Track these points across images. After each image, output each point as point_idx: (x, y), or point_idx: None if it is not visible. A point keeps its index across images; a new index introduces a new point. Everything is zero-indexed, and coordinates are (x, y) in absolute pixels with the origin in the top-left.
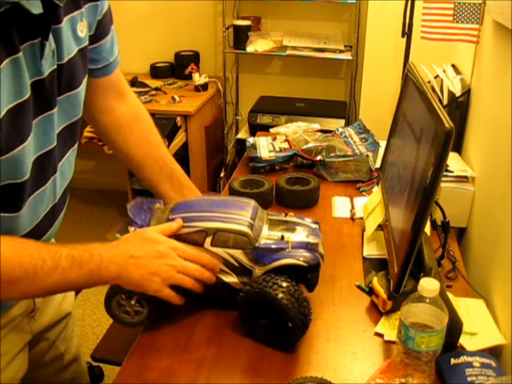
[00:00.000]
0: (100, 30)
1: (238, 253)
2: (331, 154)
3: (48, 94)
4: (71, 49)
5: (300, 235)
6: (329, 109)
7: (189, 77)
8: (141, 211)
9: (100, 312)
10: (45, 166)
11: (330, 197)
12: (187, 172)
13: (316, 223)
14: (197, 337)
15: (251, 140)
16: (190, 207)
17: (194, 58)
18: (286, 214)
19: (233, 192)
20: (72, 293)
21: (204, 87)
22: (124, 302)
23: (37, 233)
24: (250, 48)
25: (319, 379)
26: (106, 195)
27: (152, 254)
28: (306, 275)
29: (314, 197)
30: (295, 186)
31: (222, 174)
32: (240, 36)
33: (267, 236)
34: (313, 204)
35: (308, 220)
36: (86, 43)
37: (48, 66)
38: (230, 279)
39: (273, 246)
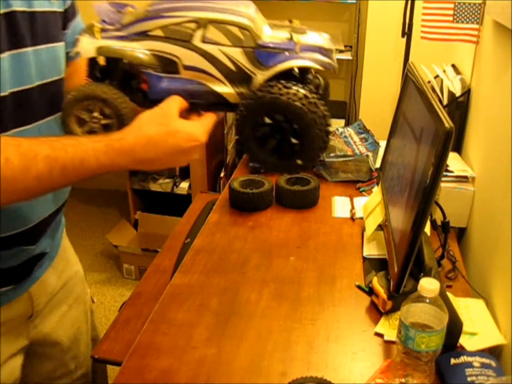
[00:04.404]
0: (70, 12)
1: (236, 53)
2: (331, 154)
3: (20, 31)
4: (42, 5)
5: (311, 38)
6: (329, 109)
7: None
8: (109, 12)
9: (100, 312)
10: (24, 106)
11: (330, 197)
12: (187, 172)
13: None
14: (197, 337)
15: None
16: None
17: None
18: (291, 21)
19: (233, 192)
20: (84, 300)
21: None
22: (85, 117)
23: None
24: None
25: (319, 379)
26: (106, 195)
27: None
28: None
29: (314, 197)
30: (295, 186)
31: (222, 174)
32: None
33: (271, 36)
34: (313, 204)
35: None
36: (59, 9)
37: (19, 4)
38: (224, 89)
39: (280, 45)
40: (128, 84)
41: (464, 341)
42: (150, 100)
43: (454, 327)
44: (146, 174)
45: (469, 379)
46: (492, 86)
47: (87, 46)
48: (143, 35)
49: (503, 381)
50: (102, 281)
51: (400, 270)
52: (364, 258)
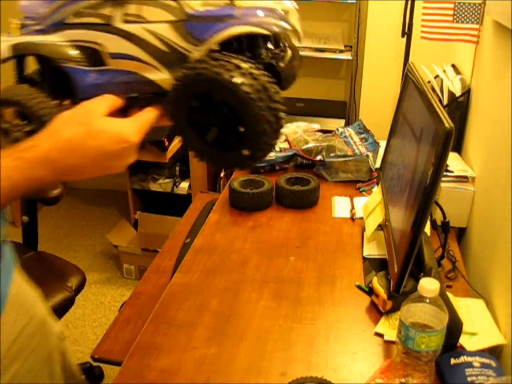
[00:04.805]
0: None
1: (164, 29)
2: (331, 154)
3: None
4: None
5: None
6: (329, 109)
7: None
8: (38, 7)
9: (100, 312)
10: None
11: (330, 197)
12: (187, 172)
13: None
14: (197, 337)
15: None
16: None
17: None
18: None
19: (233, 192)
20: (47, 346)
21: None
22: (6, 126)
23: None
24: None
25: (319, 379)
26: (106, 195)
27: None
28: (273, 69)
29: (314, 197)
30: (295, 186)
31: (222, 174)
32: None
33: (206, 3)
34: (313, 204)
35: None
36: None
37: None
38: (159, 75)
39: (216, 13)
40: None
41: (464, 341)
42: (81, 99)
43: (454, 327)
44: (146, 174)
45: (469, 379)
46: (492, 86)
47: (2, 46)
48: (61, 25)
49: (503, 381)
50: (102, 281)
51: (400, 270)
52: (364, 258)
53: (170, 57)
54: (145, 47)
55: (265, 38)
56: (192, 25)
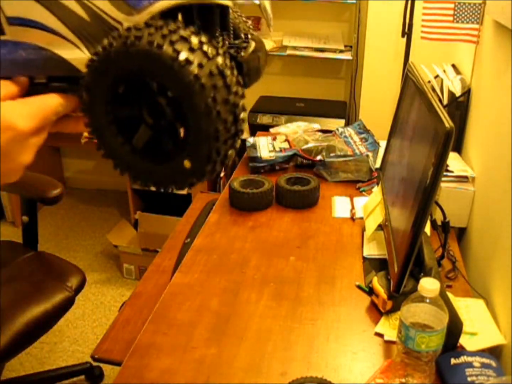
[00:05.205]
0: None
1: None
2: (331, 154)
3: None
4: None
5: None
6: (329, 109)
7: None
8: None
9: (100, 312)
10: None
11: (330, 197)
12: None
13: None
14: (197, 337)
15: (251, 140)
16: None
17: None
18: None
19: (233, 192)
20: None
21: None
22: None
23: None
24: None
25: (319, 379)
26: (106, 195)
27: None
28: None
29: (314, 197)
30: (295, 186)
31: (222, 174)
32: None
33: None
34: (313, 204)
35: None
36: None
37: None
38: (75, 53)
39: None
40: None
41: (464, 341)
42: None
43: (454, 327)
44: None
45: (469, 379)
46: (492, 86)
47: None
48: None
49: (503, 381)
50: (102, 281)
51: (400, 270)
52: (364, 258)
53: (93, 29)
54: (59, 12)
55: (222, 22)
56: None
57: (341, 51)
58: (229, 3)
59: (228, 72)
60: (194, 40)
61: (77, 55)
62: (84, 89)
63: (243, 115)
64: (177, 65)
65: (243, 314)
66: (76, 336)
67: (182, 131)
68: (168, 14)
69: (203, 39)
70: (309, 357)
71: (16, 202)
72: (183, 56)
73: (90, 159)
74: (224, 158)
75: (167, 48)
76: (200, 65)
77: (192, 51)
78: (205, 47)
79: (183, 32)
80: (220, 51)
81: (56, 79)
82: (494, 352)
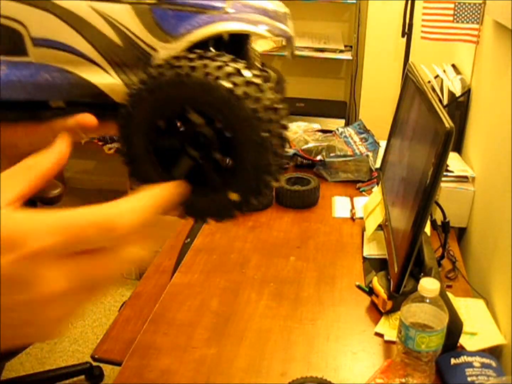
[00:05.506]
0: None
1: (121, 12)
2: (331, 154)
3: None
4: None
5: None
6: (329, 109)
7: None
8: None
9: (100, 312)
10: None
11: (330, 197)
12: None
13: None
14: (197, 337)
15: None
16: None
17: None
18: None
19: None
20: None
21: None
22: None
23: None
24: None
25: (319, 379)
26: (106, 195)
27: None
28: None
29: (314, 197)
30: (295, 186)
31: None
32: None
33: None
34: (313, 204)
35: None
36: None
37: None
38: (104, 78)
39: (198, 1)
40: None
41: (464, 341)
42: None
43: (454, 327)
44: None
45: (469, 379)
46: (492, 86)
47: None
48: None
49: (503, 381)
50: None
51: (400, 270)
52: (364, 258)
53: (125, 55)
54: (89, 34)
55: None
56: (163, 13)
57: (341, 51)
58: (267, 35)
59: (268, 91)
60: (248, 73)
61: (106, 80)
62: (122, 120)
63: (286, 134)
64: (235, 98)
65: (243, 314)
66: (76, 336)
67: (226, 162)
68: (199, 42)
69: (255, 72)
70: (309, 357)
71: None
72: (241, 89)
73: (90, 159)
74: (271, 188)
75: (224, 81)
76: (257, 99)
77: (247, 85)
78: (257, 80)
79: (236, 65)
80: (267, 84)
81: (75, 104)
82: (494, 352)
